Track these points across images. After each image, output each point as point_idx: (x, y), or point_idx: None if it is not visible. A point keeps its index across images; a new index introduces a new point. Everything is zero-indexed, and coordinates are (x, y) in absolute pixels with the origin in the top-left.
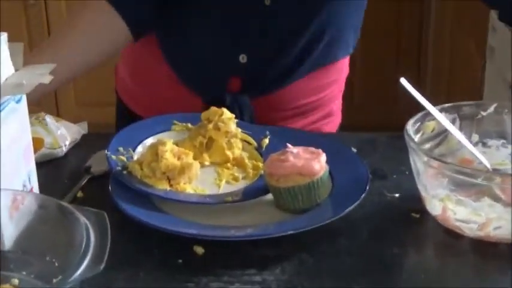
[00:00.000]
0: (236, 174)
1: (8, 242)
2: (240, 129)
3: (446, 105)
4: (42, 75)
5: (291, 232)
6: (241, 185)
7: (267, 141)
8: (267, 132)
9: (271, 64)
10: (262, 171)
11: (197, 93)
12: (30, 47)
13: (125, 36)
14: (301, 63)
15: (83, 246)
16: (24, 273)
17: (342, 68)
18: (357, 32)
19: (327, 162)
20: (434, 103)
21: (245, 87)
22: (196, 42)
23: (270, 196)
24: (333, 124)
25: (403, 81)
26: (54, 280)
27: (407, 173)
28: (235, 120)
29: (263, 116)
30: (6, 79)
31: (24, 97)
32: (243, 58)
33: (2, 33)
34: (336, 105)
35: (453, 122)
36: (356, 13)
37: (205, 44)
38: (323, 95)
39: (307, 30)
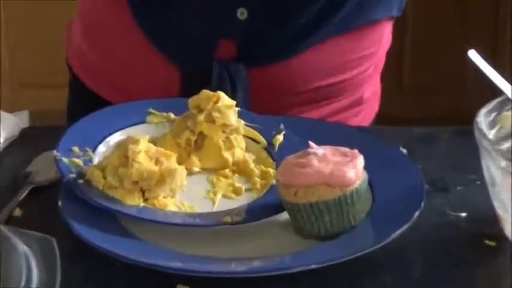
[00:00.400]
0: (237, 184)
1: None
2: (243, 121)
3: None
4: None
5: (315, 266)
6: (244, 199)
7: (280, 138)
8: (281, 126)
9: (278, 22)
10: (274, 181)
11: (174, 61)
12: None
13: None
14: (320, 22)
15: (23, 282)
16: None
17: (382, 35)
18: None
19: (366, 167)
20: None
21: (240, 55)
22: None
23: (285, 216)
24: (364, 116)
25: (472, 54)
26: None
27: (478, 183)
28: (237, 109)
29: (263, 102)
30: None
31: None
32: (241, 13)
33: None
34: (370, 90)
35: None
36: None
37: None
38: (351, 75)
39: None
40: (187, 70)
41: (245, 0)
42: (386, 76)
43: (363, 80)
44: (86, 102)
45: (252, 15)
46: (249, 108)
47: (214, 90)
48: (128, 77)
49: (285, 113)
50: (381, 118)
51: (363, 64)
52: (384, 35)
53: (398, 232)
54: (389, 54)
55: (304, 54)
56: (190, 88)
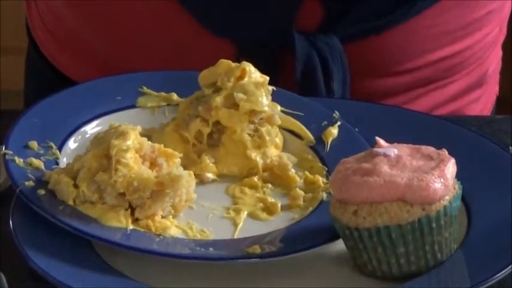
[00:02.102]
0: (271, 199)
1: None
2: (279, 107)
3: None
4: None
5: None
6: (281, 221)
7: (335, 131)
8: (336, 113)
9: None
10: (324, 195)
11: (228, 36)
12: None
13: None
14: None
15: None
16: None
17: None
18: None
19: (460, 176)
20: None
21: (329, 22)
22: None
23: (340, 246)
24: (485, 102)
25: None
26: None
27: None
28: (271, 88)
29: (357, 88)
30: None
31: None
32: None
33: None
34: (495, 62)
35: None
36: None
37: None
38: (473, 40)
39: None
40: (246, 49)
41: None
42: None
43: (487, 48)
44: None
45: None
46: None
47: (299, 75)
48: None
49: (388, 101)
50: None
51: (489, 23)
52: None
53: (503, 272)
54: None
55: (413, 20)
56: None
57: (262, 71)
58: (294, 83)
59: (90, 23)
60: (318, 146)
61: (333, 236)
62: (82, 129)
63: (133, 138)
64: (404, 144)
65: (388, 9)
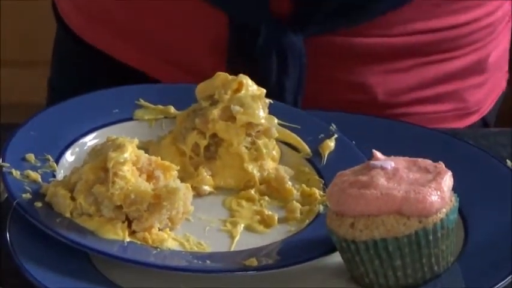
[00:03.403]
0: (268, 212)
1: None
2: (276, 119)
3: None
4: None
5: None
6: (278, 234)
7: (331, 144)
8: (333, 126)
9: None
10: (321, 208)
11: (219, 5)
12: None
13: None
14: None
15: None
16: None
17: None
18: None
19: (456, 189)
20: None
21: (298, 11)
22: None
23: (337, 259)
24: (489, 90)
25: None
26: None
27: None
28: (268, 101)
29: (322, 92)
30: None
31: None
32: None
33: None
34: (499, 49)
35: None
36: None
37: None
38: (474, 16)
39: None
40: (237, 19)
41: None
42: None
43: (490, 31)
44: (86, 68)
45: None
46: (302, 88)
47: (257, 57)
48: (159, 26)
49: (363, 77)
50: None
51: (489, 17)
52: None
53: (500, 285)
54: None
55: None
56: (239, 43)
57: (251, 53)
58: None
59: None
60: (314, 159)
61: (330, 249)
62: (79, 142)
63: (131, 151)
64: (401, 157)
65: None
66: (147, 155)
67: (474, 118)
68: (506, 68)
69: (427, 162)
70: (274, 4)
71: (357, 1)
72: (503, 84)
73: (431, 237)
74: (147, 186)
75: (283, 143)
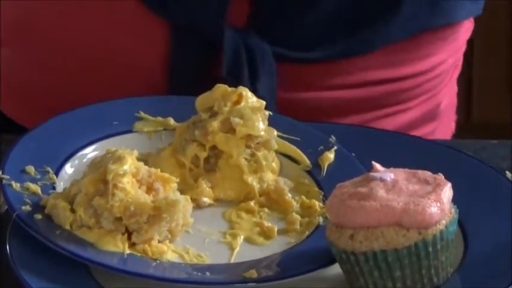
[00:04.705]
0: (268, 224)
1: None
2: (276, 131)
3: None
4: None
5: None
6: (277, 246)
7: (331, 156)
8: (332, 138)
9: None
10: (321, 220)
11: (166, 19)
12: None
13: None
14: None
15: None
16: None
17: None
18: None
19: (455, 201)
20: None
21: (256, 20)
22: None
23: (336, 270)
24: (438, 134)
25: None
26: None
27: None
28: (268, 113)
29: (286, 102)
30: None
31: None
32: None
33: None
34: (448, 98)
35: None
36: None
37: None
38: (425, 67)
39: None
40: (183, 37)
41: None
42: (489, 67)
43: (440, 80)
44: None
45: None
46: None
47: (225, 72)
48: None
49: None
50: (480, 125)
51: (438, 51)
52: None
53: None
54: (493, 36)
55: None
56: (180, 74)
57: (192, 65)
58: (220, 80)
59: None
60: (314, 171)
61: (330, 261)
62: (79, 154)
63: (130, 163)
64: (401, 169)
65: (316, 33)
66: (146, 167)
67: None
68: (455, 110)
69: (427, 174)
70: (232, 14)
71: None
72: (453, 126)
73: (430, 249)
74: (146, 198)
75: (282, 155)
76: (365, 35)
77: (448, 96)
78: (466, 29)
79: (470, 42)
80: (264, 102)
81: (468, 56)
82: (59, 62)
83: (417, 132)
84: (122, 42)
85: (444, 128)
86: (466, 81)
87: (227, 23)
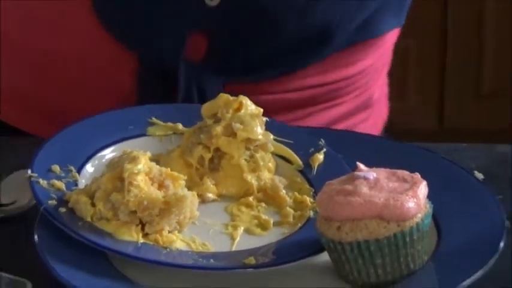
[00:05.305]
0: (264, 216)
1: None
2: (272, 135)
3: None
4: None
5: None
6: (273, 236)
7: (320, 157)
8: (322, 141)
9: (264, 14)
10: (311, 213)
11: (131, 47)
12: None
13: None
14: (331, 23)
15: None
16: None
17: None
18: None
19: (430, 196)
20: None
21: (212, 57)
22: None
23: (325, 258)
24: (372, 122)
25: None
26: None
27: None
28: (265, 119)
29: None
30: None
31: None
32: None
33: None
34: (378, 89)
35: None
36: None
37: None
38: (356, 71)
39: None
40: (148, 63)
41: None
42: (460, 77)
43: (371, 77)
44: None
45: (224, 2)
46: None
47: (181, 99)
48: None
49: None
50: (451, 130)
51: (367, 57)
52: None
53: (469, 281)
54: (464, 50)
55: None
56: (148, 89)
57: (160, 85)
58: None
59: None
60: (305, 170)
61: (319, 249)
62: (98, 155)
63: (144, 163)
64: (382, 169)
65: (266, 61)
66: (158, 166)
67: None
68: (387, 98)
69: (405, 173)
70: (188, 51)
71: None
72: (386, 113)
73: (408, 239)
74: (158, 194)
75: (278, 156)
76: (301, 60)
77: (379, 88)
78: (393, 34)
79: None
80: (262, 110)
81: (441, 68)
82: (43, 73)
83: (352, 120)
84: (94, 64)
85: (378, 114)
86: (438, 92)
87: (186, 57)
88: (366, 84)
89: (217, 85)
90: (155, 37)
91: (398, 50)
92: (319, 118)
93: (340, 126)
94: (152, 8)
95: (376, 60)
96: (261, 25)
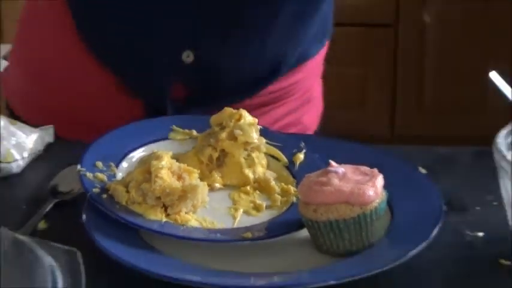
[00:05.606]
0: (258, 201)
1: None
2: (264, 139)
3: None
4: None
5: (333, 283)
6: (265, 216)
7: (301, 156)
8: (302, 144)
9: (230, 69)
10: (294, 199)
11: (137, 94)
12: None
13: None
14: (282, 64)
15: None
16: None
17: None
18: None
19: (385, 186)
20: None
21: (192, 98)
22: (121, 27)
23: (304, 233)
24: (313, 113)
25: (493, 75)
26: None
27: (495, 203)
28: (259, 127)
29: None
30: None
31: None
32: (187, 56)
33: None
34: (316, 89)
35: None
36: None
37: (139, 30)
38: (297, 78)
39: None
40: (148, 104)
41: (191, 43)
42: (407, 95)
43: (309, 80)
44: None
45: (198, 58)
46: None
47: None
48: (83, 110)
49: None
50: (401, 136)
51: (305, 68)
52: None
53: (415, 251)
54: (411, 74)
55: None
56: (146, 116)
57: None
58: None
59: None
60: (290, 166)
61: (300, 226)
62: (132, 154)
63: (166, 160)
64: (349, 165)
65: (239, 91)
66: (177, 163)
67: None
68: (321, 94)
69: (366, 169)
70: (174, 94)
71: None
72: (322, 106)
73: (368, 219)
74: (177, 184)
75: (269, 155)
76: (259, 86)
77: (317, 88)
78: (321, 52)
79: (393, 78)
80: (257, 120)
81: (392, 89)
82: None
83: (298, 114)
84: (104, 102)
85: (317, 108)
86: (390, 107)
87: (171, 97)
88: (306, 86)
89: (197, 113)
90: (144, 85)
91: (359, 76)
92: (272, 114)
93: (289, 119)
94: (139, 62)
95: (310, 72)
96: (227, 80)
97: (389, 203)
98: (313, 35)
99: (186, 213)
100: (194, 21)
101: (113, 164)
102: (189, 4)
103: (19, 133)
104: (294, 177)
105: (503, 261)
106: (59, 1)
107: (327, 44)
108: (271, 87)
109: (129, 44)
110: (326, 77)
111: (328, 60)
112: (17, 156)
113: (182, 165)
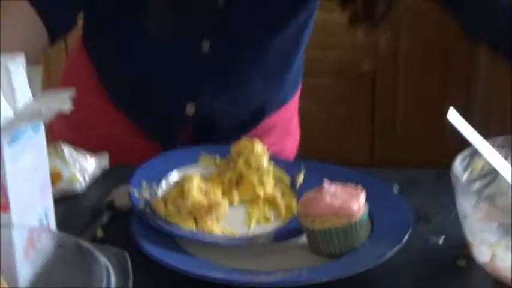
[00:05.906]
0: (268, 214)
1: (23, 282)
2: (272, 164)
3: (500, 138)
4: (61, 101)
5: (326, 279)
6: (273, 225)
7: (301, 178)
8: (302, 167)
9: (226, 116)
10: (295, 212)
11: (153, 138)
12: None
13: (42, 40)
14: (267, 108)
15: None
16: None
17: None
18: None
19: (367, 201)
20: (487, 136)
21: (196, 140)
22: (137, 82)
23: (304, 239)
24: (292, 143)
25: (451, 112)
26: None
27: (453, 215)
28: (268, 154)
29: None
30: (24, 106)
31: (42, 126)
32: (190, 109)
33: (19, 54)
34: (294, 123)
35: (506, 157)
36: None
37: (149, 87)
38: (277, 118)
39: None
40: (164, 146)
41: (192, 96)
42: (383, 126)
43: (289, 115)
44: None
45: (200, 110)
46: None
47: None
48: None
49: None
50: (378, 160)
51: (284, 105)
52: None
53: (390, 253)
54: (385, 108)
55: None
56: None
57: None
58: None
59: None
60: (292, 185)
61: (301, 233)
62: (169, 176)
63: (197, 180)
64: (339, 184)
65: (237, 133)
66: (204, 183)
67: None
68: (298, 126)
69: (352, 187)
70: (181, 139)
71: (235, 133)
72: (299, 135)
73: (354, 228)
74: (204, 200)
75: (276, 176)
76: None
77: (294, 120)
78: (295, 96)
79: (371, 116)
80: (266, 147)
81: (371, 124)
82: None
83: (279, 146)
84: (128, 143)
85: (295, 138)
86: (369, 138)
87: (181, 140)
88: (285, 122)
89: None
90: (157, 132)
91: (340, 114)
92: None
93: (273, 149)
94: (151, 115)
95: (290, 110)
96: (223, 126)
97: (370, 214)
98: (291, 80)
99: (211, 223)
100: (197, 78)
101: (154, 184)
102: (194, 57)
103: (81, 159)
104: (295, 194)
105: (459, 262)
106: (86, 55)
107: (300, 86)
108: (258, 126)
109: (139, 99)
110: (315, 116)
111: (319, 101)
112: (80, 178)
113: (208, 184)
